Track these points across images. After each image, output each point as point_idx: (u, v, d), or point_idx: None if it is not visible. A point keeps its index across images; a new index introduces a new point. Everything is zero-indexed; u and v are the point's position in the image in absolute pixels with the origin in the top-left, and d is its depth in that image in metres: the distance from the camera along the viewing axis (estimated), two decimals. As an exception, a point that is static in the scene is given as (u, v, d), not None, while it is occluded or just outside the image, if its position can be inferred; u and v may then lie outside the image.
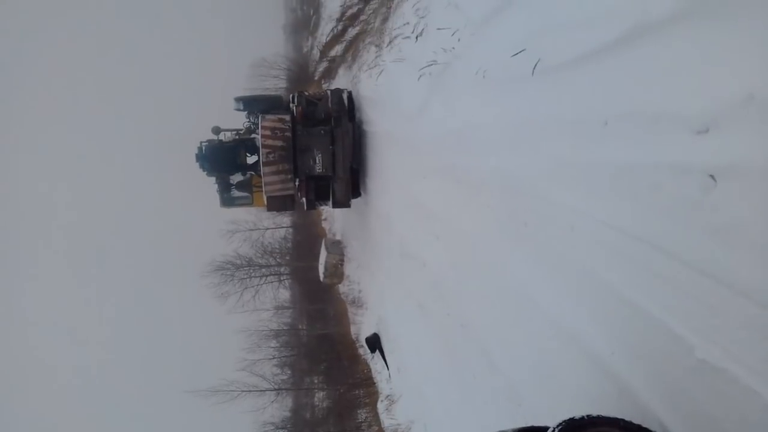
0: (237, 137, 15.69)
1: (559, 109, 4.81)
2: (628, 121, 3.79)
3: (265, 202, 15.60)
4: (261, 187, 14.72)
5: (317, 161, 14.23)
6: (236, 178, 16.06)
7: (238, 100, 15.29)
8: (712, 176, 2.95)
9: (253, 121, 15.45)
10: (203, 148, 15.09)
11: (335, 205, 15.38)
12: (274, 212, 20.77)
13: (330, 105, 14.41)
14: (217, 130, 15.40)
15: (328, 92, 14.98)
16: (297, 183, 14.83)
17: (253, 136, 15.56)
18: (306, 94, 15.37)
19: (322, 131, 14.18)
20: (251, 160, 15.68)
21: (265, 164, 14.05)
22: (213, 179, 15.73)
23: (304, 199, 15.35)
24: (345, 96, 14.79)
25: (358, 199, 16.29)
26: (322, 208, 20.45)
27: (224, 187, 16.07)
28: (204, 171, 15.21)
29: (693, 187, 3.07)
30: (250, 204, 16.91)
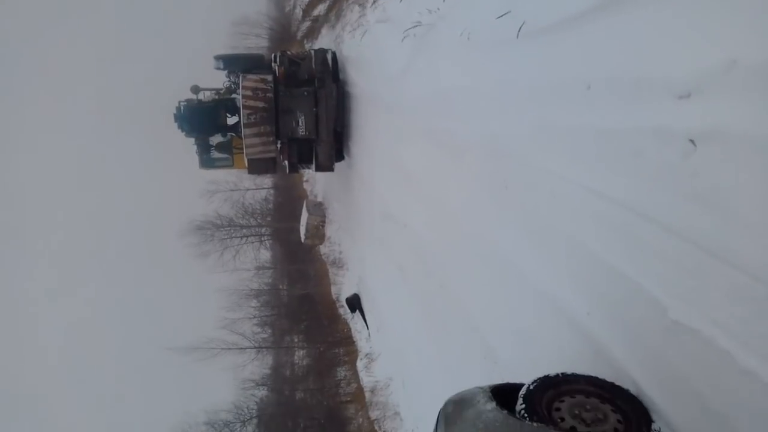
0: (217, 97, 15.22)
1: (543, 73, 4.81)
2: (612, 86, 3.81)
3: (246, 165, 15.24)
4: (242, 149, 14.38)
5: (300, 123, 13.81)
6: (216, 139, 15.59)
7: (218, 58, 14.76)
8: (692, 141, 2.99)
9: (233, 80, 14.94)
10: (182, 107, 14.54)
11: (318, 168, 15.07)
12: (255, 175, 19.65)
13: (313, 65, 13.99)
14: (196, 89, 14.84)
15: (312, 52, 14.58)
16: (279, 145, 14.43)
17: (233, 96, 15.06)
18: (288, 53, 14.95)
19: (305, 92, 13.76)
20: (232, 121, 15.21)
21: (246, 126, 13.67)
22: (192, 140, 15.22)
23: (286, 162, 15.01)
24: (329, 56, 14.35)
25: (341, 162, 16.01)
26: (304, 171, 20.02)
27: (204, 149, 15.58)
28: (183, 132, 14.68)
29: (674, 152, 3.11)
30: (231, 166, 16.48)
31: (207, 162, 15.93)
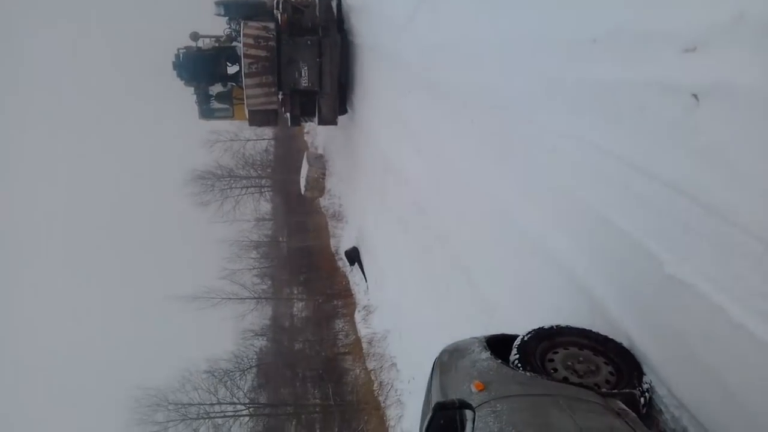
0: (217, 45, 14.65)
1: (549, 27, 4.75)
2: (617, 39, 3.75)
3: (247, 116, 14.81)
4: (242, 99, 13.86)
5: (303, 74, 13.22)
6: (216, 89, 15.12)
7: (218, 3, 14.16)
8: (695, 96, 2.95)
9: (234, 27, 14.34)
10: (181, 55, 13.99)
11: (321, 122, 14.58)
12: (256, 126, 18.76)
13: (317, 13, 13.34)
14: (195, 36, 14.31)
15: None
16: (281, 97, 13.88)
17: (234, 44, 14.47)
18: (292, 0, 14.14)
19: (309, 42, 13.09)
20: (232, 70, 14.68)
21: (247, 75, 13.10)
22: (191, 89, 14.79)
23: (287, 115, 14.59)
24: (334, 4, 13.74)
25: (344, 115, 15.54)
26: (306, 124, 19.58)
27: (203, 99, 15.09)
28: (182, 80, 14.23)
29: (676, 107, 3.08)
30: (231, 117, 16.05)
31: (206, 112, 15.54)
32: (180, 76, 14.07)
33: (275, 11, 13.84)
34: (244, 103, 13.97)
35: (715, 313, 2.84)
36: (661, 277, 3.22)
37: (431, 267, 8.45)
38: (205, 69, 14.31)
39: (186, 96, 15.23)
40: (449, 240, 7.61)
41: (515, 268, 5.61)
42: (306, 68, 13.20)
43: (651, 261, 3.34)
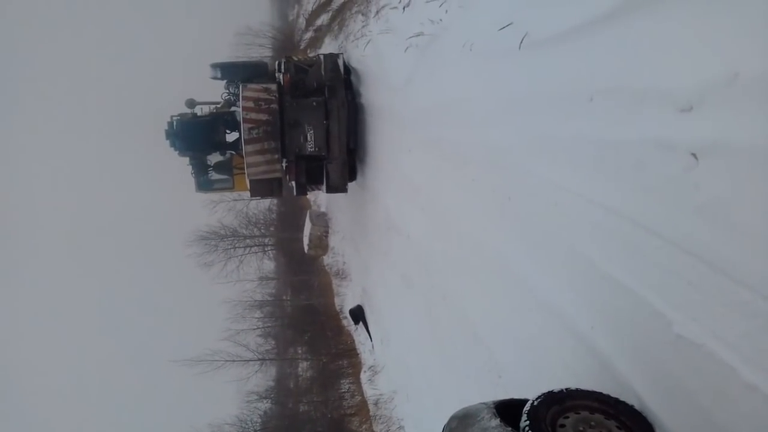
0: (214, 111, 13.59)
1: (546, 84, 4.81)
2: (614, 97, 3.79)
3: (248, 187, 13.43)
4: (243, 168, 12.69)
5: (309, 138, 12.28)
6: (214, 158, 13.99)
7: (215, 66, 13.13)
8: (694, 154, 2.97)
9: (233, 92, 13.30)
10: (174, 123, 12.83)
11: (330, 190, 13.42)
12: (258, 198, 17.25)
13: (323, 72, 12.50)
14: (191, 104, 13.21)
15: (321, 57, 13.02)
16: (285, 164, 12.77)
17: (233, 109, 13.41)
18: (295, 59, 13.55)
19: (315, 103, 12.18)
20: (231, 137, 13.59)
21: (248, 141, 12.03)
22: (186, 159, 13.59)
23: (293, 183, 13.42)
24: (341, 61, 12.82)
25: (353, 182, 14.55)
26: (314, 192, 18.10)
27: (200, 169, 13.89)
28: (175, 150, 12.98)
29: (676, 165, 3.09)
30: (231, 188, 14.89)
31: (204, 184, 14.39)
32: (173, 145, 12.89)
33: (277, 74, 13.20)
34: (245, 172, 12.78)
35: (727, 374, 2.78)
36: (670, 336, 3.17)
37: (437, 325, 8.36)
38: (201, 137, 13.18)
39: (182, 166, 14.27)
40: (454, 298, 7.55)
41: (522, 326, 5.54)
42: (312, 132, 12.32)
43: (659, 320, 3.29)
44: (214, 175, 14.29)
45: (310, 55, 16.97)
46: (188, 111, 13.24)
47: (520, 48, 5.16)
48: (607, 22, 3.89)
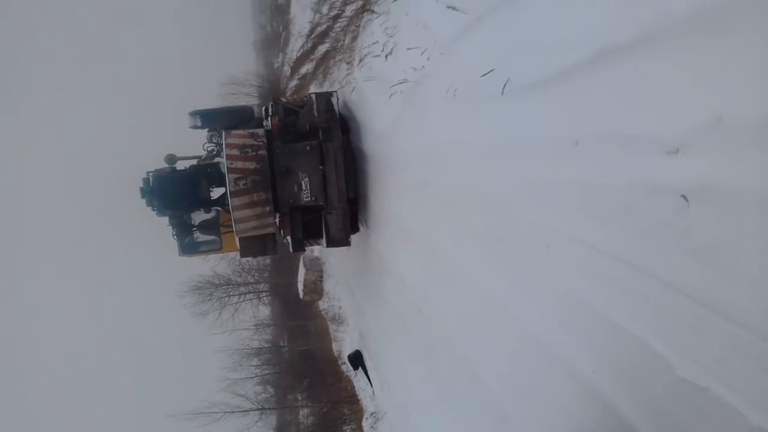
0: (196, 164, 12.09)
1: (530, 129, 4.85)
2: (599, 142, 3.83)
3: (238, 246, 11.89)
4: (232, 225, 11.10)
5: (304, 187, 10.94)
6: (199, 217, 12.37)
7: (194, 114, 11.68)
8: (684, 197, 2.99)
9: (217, 142, 11.82)
10: (150, 179, 11.40)
11: (331, 243, 11.86)
12: (250, 257, 15.19)
13: (316, 113, 11.28)
14: (171, 159, 11.64)
15: (312, 96, 11.67)
16: (278, 217, 11.42)
17: (216, 160, 11.87)
18: (284, 100, 12.27)
19: (308, 147, 10.91)
20: (217, 193, 12.00)
21: (235, 194, 10.58)
22: (166, 220, 11.94)
23: (288, 239, 11.96)
24: (335, 100, 11.54)
25: (355, 234, 13.03)
26: (313, 248, 15.88)
27: (183, 230, 12.17)
28: (153, 209, 11.46)
29: (666, 208, 3.11)
30: (219, 249, 13.18)
31: (189, 248, 12.58)
32: (150, 204, 11.39)
33: (264, 122, 12.13)
34: (233, 230, 11.21)
35: (733, 417, 2.76)
36: (673, 379, 3.15)
37: (438, 370, 8.28)
38: (180, 193, 11.58)
39: (162, 227, 12.49)
40: (453, 342, 7.48)
41: (523, 370, 5.49)
42: (307, 179, 10.95)
43: (660, 362, 3.27)
44: (200, 236, 12.67)
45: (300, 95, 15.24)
46: (167, 167, 11.80)
47: (502, 93, 5.23)
48: (588, 68, 3.95)
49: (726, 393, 2.80)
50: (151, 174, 11.50)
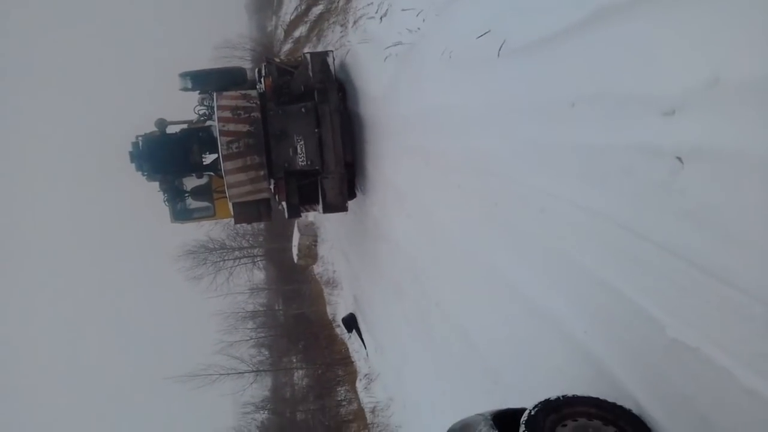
0: (187, 128, 11.69)
1: (526, 91, 4.81)
2: (595, 103, 3.80)
3: (232, 212, 11.46)
4: (225, 191, 10.71)
5: (299, 151, 10.51)
6: (191, 182, 12.05)
7: (184, 76, 11.30)
8: (679, 158, 2.97)
9: (208, 105, 11.35)
10: (140, 143, 11.02)
11: (327, 209, 11.34)
12: (244, 224, 14.49)
13: (311, 73, 10.81)
14: (162, 124, 11.31)
15: (307, 56, 11.19)
16: (273, 182, 10.96)
17: (208, 124, 11.44)
18: (277, 60, 11.82)
19: (303, 109, 10.45)
20: (209, 159, 11.63)
21: (227, 157, 10.15)
22: (156, 185, 11.61)
23: (283, 204, 11.42)
24: (330, 60, 11.05)
25: (353, 200, 12.55)
26: (308, 213, 15.25)
27: (175, 196, 11.87)
28: (143, 174, 11.13)
29: (662, 169, 3.09)
30: (212, 216, 12.90)
31: (181, 214, 12.33)
32: (140, 168, 11.05)
33: (258, 83, 11.62)
34: (226, 196, 10.83)
35: (724, 377, 2.78)
36: (665, 340, 3.17)
37: (431, 333, 8.35)
38: (171, 157, 11.21)
39: (155, 193, 12.09)
40: (447, 305, 7.53)
41: (515, 332, 5.54)
42: (302, 143, 10.53)
43: (653, 324, 3.29)
44: (192, 203, 12.39)
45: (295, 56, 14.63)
46: (157, 132, 11.48)
47: (498, 55, 5.17)
48: (585, 28, 3.90)
49: (718, 354, 2.81)
50: (140, 138, 11.13)
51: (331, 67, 10.98)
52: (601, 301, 3.92)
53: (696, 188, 2.90)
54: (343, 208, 11.60)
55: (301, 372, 29.91)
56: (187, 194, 12.10)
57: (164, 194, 11.74)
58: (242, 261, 38.08)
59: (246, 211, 11.30)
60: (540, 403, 3.64)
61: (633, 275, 3.48)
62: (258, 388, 31.54)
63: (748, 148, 2.57)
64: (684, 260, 2.99)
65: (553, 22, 4.33)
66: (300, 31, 23.60)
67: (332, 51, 11.49)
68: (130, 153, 10.95)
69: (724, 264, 2.74)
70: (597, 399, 3.64)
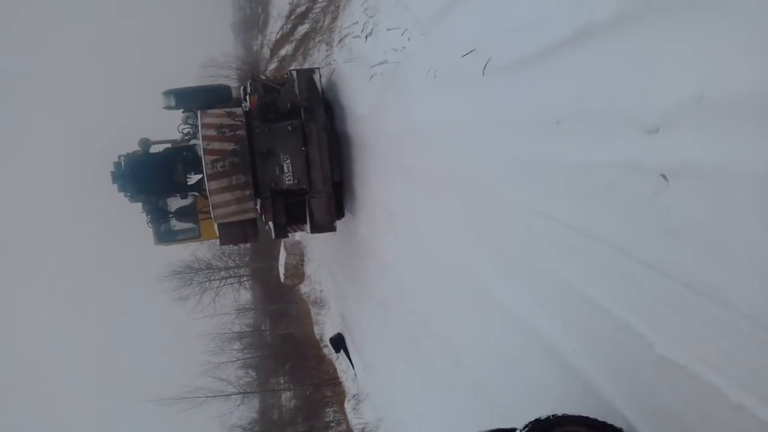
0: (170, 147, 11.43)
1: (511, 109, 4.83)
2: (580, 121, 3.82)
3: (217, 233, 11.11)
4: (209, 212, 10.38)
5: (286, 169, 10.30)
6: (175, 203, 11.82)
7: (168, 94, 11.01)
8: (663, 176, 2.99)
9: (192, 123, 11.19)
10: (122, 163, 10.71)
11: (315, 229, 10.99)
12: (230, 245, 14.19)
13: (297, 91, 10.63)
14: (145, 144, 11.06)
15: (293, 73, 10.94)
16: (259, 202, 10.67)
17: (192, 143, 11.19)
18: (263, 78, 11.64)
19: (290, 127, 10.27)
20: (194, 179, 11.22)
21: (212, 177, 9.85)
22: (139, 206, 11.28)
23: (270, 224, 11.24)
24: (317, 77, 10.85)
25: (341, 219, 12.32)
26: (295, 234, 14.94)
27: (158, 216, 11.61)
28: (126, 195, 10.81)
29: (647, 187, 3.10)
30: (197, 237, 12.62)
31: (165, 236, 12.12)
32: (123, 188, 10.74)
33: (243, 102, 11.31)
34: (212, 216, 10.47)
35: (713, 394, 2.77)
36: (653, 357, 3.17)
37: (418, 351, 8.30)
38: (154, 177, 10.91)
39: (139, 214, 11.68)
40: (434, 323, 7.50)
41: (504, 350, 5.51)
42: (289, 161, 10.32)
43: (640, 341, 3.29)
44: (177, 224, 12.16)
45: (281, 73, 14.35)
46: (141, 151, 11.17)
47: (483, 73, 5.20)
48: (569, 46, 3.93)
49: (706, 371, 2.81)
50: (122, 158, 10.86)
51: (318, 85, 10.81)
52: (589, 319, 3.91)
53: (681, 205, 2.92)
54: (332, 228, 11.29)
55: (288, 393, 29.67)
56: (171, 215, 11.85)
57: (147, 216, 11.49)
58: (228, 281, 37.90)
59: (232, 232, 11.06)
60: (530, 423, 3.61)
61: (620, 292, 3.49)
62: (245, 410, 31.21)
63: (732, 164, 2.59)
64: (670, 277, 3.00)
65: (537, 40, 4.36)
66: (286, 50, 23.70)
67: (318, 68, 11.32)
68: (112, 173, 10.68)
69: (711, 280, 2.74)
70: (587, 417, 3.62)
